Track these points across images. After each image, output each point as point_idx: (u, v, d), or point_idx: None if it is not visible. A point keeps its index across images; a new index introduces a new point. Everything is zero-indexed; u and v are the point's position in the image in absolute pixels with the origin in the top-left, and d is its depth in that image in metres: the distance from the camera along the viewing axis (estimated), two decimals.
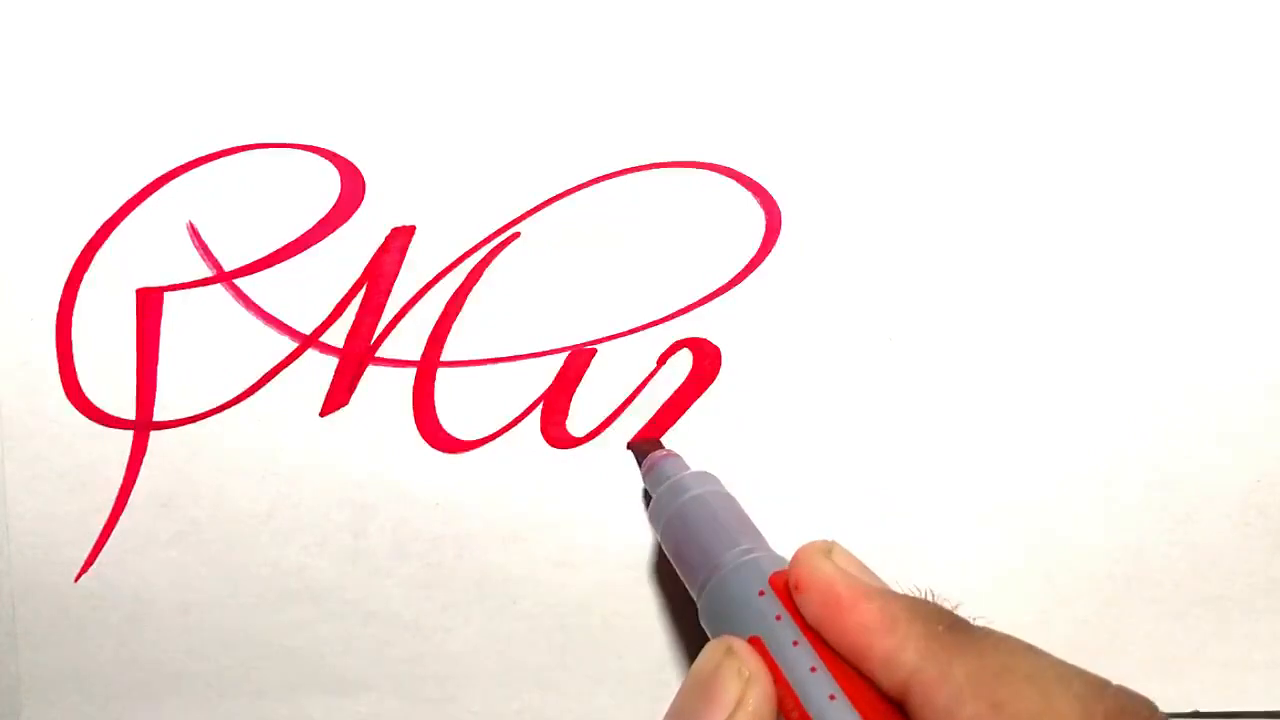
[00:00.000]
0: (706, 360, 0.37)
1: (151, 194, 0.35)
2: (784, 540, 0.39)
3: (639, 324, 0.37)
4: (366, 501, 0.38)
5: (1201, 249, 0.37)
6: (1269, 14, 0.36)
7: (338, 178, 0.35)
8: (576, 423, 0.37)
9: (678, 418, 0.37)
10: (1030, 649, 0.25)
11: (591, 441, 0.38)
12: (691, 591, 0.31)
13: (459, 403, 0.37)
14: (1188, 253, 0.37)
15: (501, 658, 0.39)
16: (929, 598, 0.26)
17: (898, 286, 0.37)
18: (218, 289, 0.36)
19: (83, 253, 0.35)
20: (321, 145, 0.35)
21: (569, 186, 0.36)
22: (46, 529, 0.37)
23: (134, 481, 0.37)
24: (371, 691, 0.40)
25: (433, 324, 0.36)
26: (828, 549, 0.28)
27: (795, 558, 0.28)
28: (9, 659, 0.39)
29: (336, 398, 0.37)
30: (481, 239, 0.36)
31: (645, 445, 0.37)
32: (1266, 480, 0.39)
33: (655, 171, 0.36)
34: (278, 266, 0.36)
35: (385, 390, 0.37)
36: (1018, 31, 0.35)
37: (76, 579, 0.38)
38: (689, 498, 0.33)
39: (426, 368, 0.37)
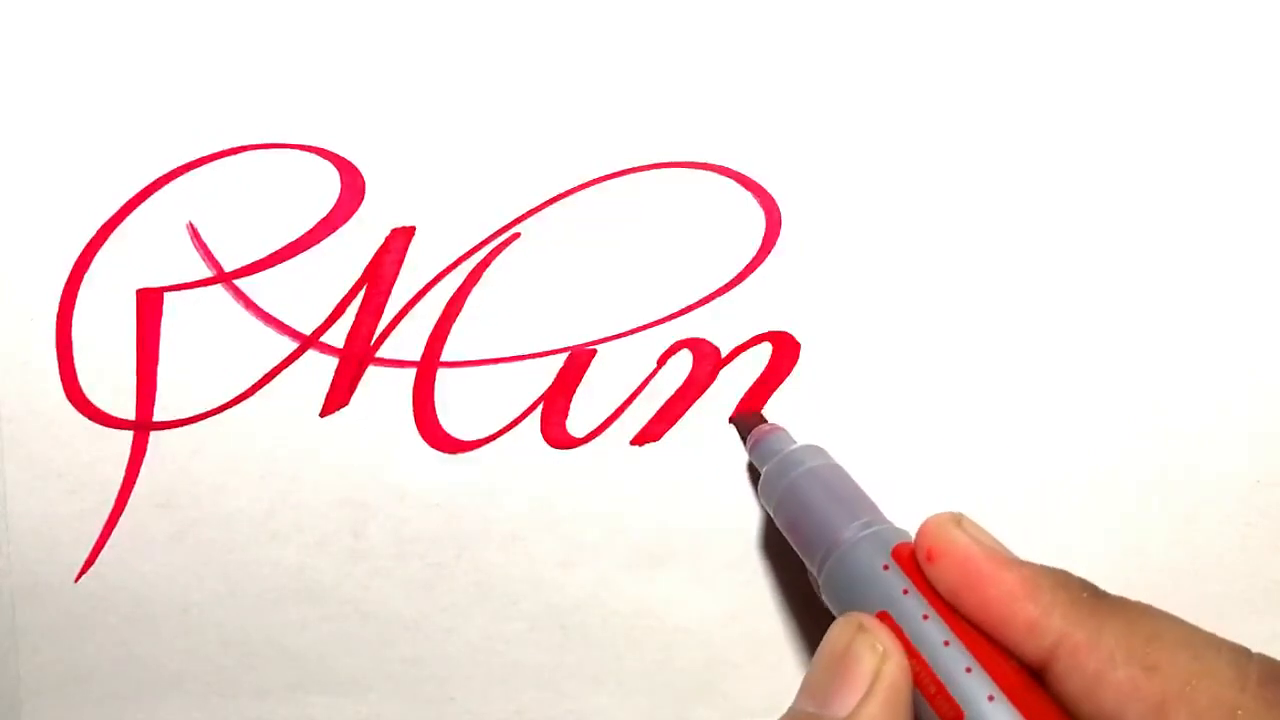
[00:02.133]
0: (706, 360, 0.37)
1: (151, 194, 0.35)
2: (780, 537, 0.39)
3: (639, 324, 0.37)
4: (366, 501, 0.38)
5: (1201, 249, 0.37)
6: (1269, 14, 0.36)
7: (338, 178, 0.35)
8: (576, 423, 0.37)
9: (678, 418, 0.37)
10: (1174, 617, 0.25)
11: (591, 441, 0.38)
12: (810, 567, 0.31)
13: (459, 403, 0.37)
14: (1188, 253, 0.37)
15: (501, 658, 0.39)
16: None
17: (898, 287, 0.37)
18: (218, 289, 0.36)
19: (83, 253, 0.35)
20: (321, 145, 0.35)
21: (569, 186, 0.36)
22: (46, 529, 0.37)
23: (134, 482, 0.37)
24: (371, 691, 0.40)
25: (433, 324, 0.36)
26: (958, 519, 0.28)
27: (925, 528, 0.28)
28: (9, 659, 0.39)
29: (336, 398, 0.37)
30: (482, 239, 0.36)
31: (749, 419, 0.36)
32: (1267, 480, 0.39)
33: (655, 171, 0.36)
34: (278, 267, 0.36)
35: (385, 390, 0.37)
36: (1018, 31, 0.35)
37: (76, 579, 0.38)
38: (801, 472, 0.32)
39: (426, 368, 0.37)
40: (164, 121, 0.35)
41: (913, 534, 0.29)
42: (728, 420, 0.37)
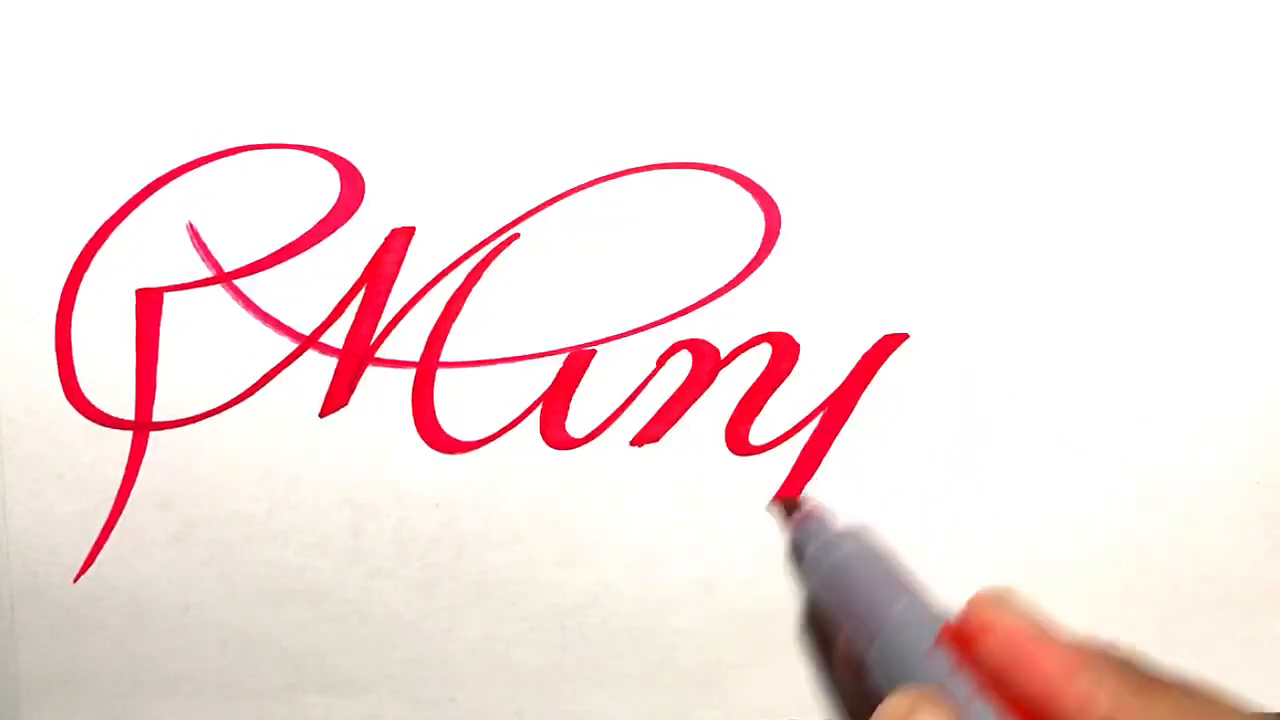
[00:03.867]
0: (706, 361, 0.37)
1: (151, 194, 0.35)
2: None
3: (639, 325, 0.37)
4: (366, 501, 0.38)
5: (1201, 249, 0.37)
6: (1269, 14, 0.36)
7: (338, 178, 0.35)
8: (576, 423, 0.37)
9: (677, 418, 0.37)
10: (1221, 693, 0.25)
11: (591, 442, 0.38)
12: (856, 647, 0.32)
13: (458, 403, 0.37)
14: (1187, 253, 0.37)
15: (501, 658, 0.39)
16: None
17: (897, 289, 0.37)
18: (217, 289, 0.36)
19: (83, 253, 0.35)
20: (321, 145, 0.35)
21: (569, 187, 0.36)
22: (45, 529, 0.37)
23: (133, 482, 0.37)
24: (371, 692, 0.40)
25: (432, 324, 0.36)
26: (1004, 595, 0.29)
27: (973, 605, 0.29)
28: (8, 659, 0.39)
29: (336, 398, 0.37)
30: (481, 239, 0.36)
31: (789, 503, 0.37)
32: (1267, 482, 0.39)
33: (655, 172, 0.36)
34: (278, 267, 0.36)
35: (385, 391, 0.37)
36: (1018, 31, 0.35)
37: (75, 579, 0.38)
38: (845, 552, 0.33)
39: (426, 368, 0.37)
40: (164, 121, 0.35)
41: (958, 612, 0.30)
42: (767, 505, 0.37)
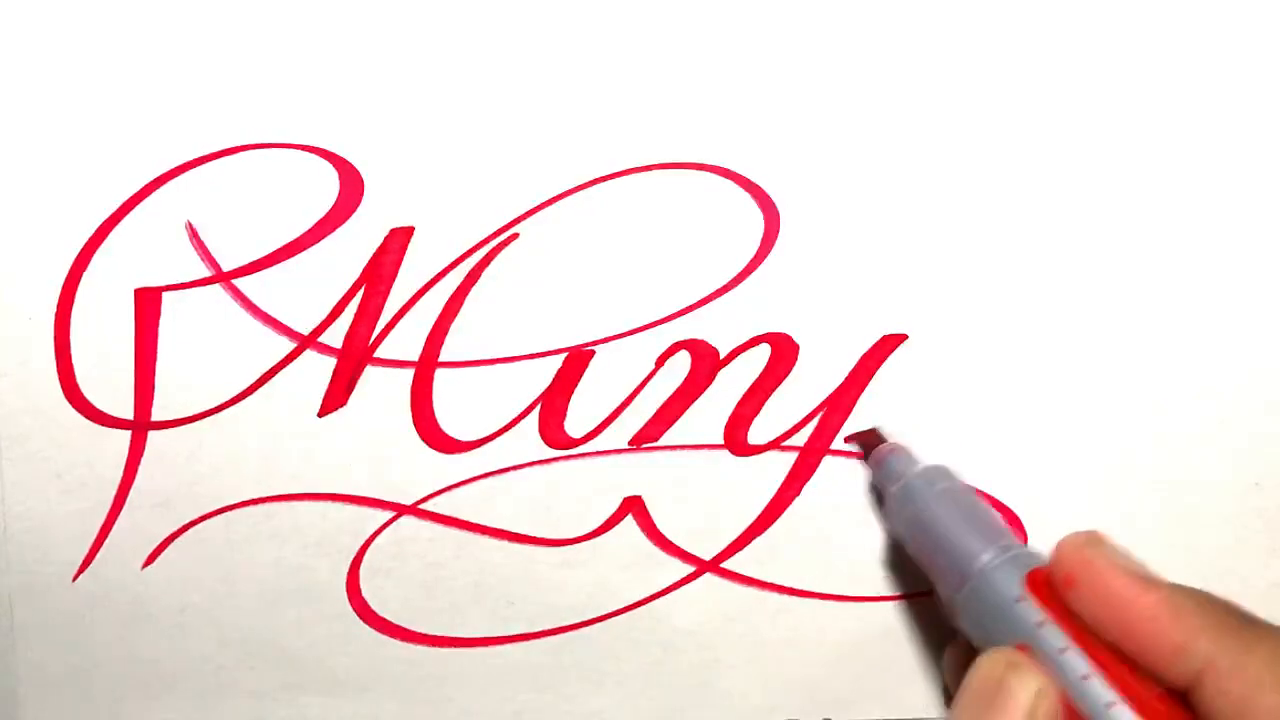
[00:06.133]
0: (705, 361, 0.37)
1: (150, 194, 0.35)
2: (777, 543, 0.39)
3: (638, 325, 0.37)
4: (365, 501, 0.38)
5: (1201, 249, 0.37)
6: (1269, 14, 0.36)
7: (336, 178, 0.35)
8: (575, 423, 0.37)
9: (676, 419, 0.37)
10: None
11: (590, 442, 0.38)
12: (942, 594, 0.31)
13: (457, 403, 0.37)
14: (1188, 253, 0.37)
15: (500, 658, 0.39)
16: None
17: (896, 289, 0.37)
18: (216, 289, 0.36)
19: (81, 252, 0.35)
20: (321, 145, 0.35)
21: (569, 187, 0.36)
22: (44, 529, 0.37)
23: (132, 481, 0.37)
24: (370, 691, 0.40)
25: (431, 324, 0.36)
26: (1095, 539, 0.28)
27: (1061, 552, 0.27)
28: (7, 658, 0.39)
29: (335, 398, 0.37)
30: (481, 239, 0.36)
31: (869, 438, 0.35)
32: (1265, 483, 0.39)
33: (655, 172, 0.36)
34: (276, 267, 0.36)
35: (384, 391, 0.37)
36: (1017, 32, 0.35)
37: (74, 579, 0.38)
38: (928, 497, 0.32)
39: (425, 368, 0.37)
40: (163, 121, 0.35)
41: (1048, 555, 0.29)
42: (844, 440, 0.35)
